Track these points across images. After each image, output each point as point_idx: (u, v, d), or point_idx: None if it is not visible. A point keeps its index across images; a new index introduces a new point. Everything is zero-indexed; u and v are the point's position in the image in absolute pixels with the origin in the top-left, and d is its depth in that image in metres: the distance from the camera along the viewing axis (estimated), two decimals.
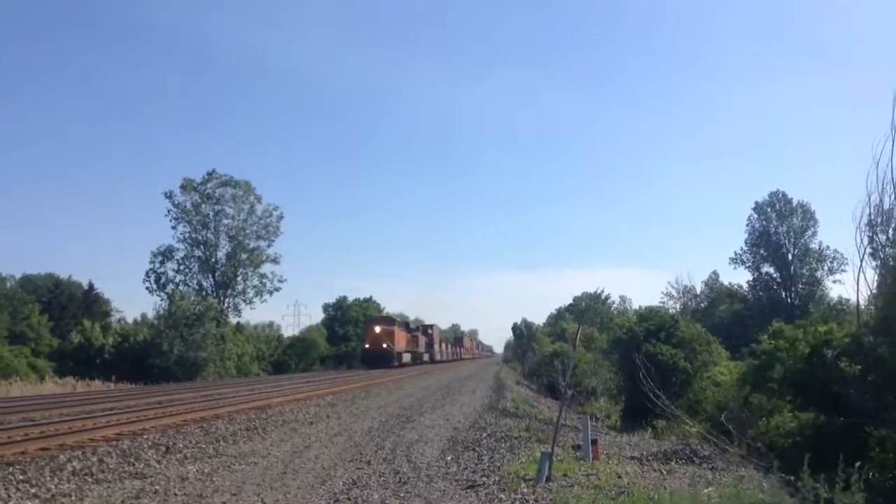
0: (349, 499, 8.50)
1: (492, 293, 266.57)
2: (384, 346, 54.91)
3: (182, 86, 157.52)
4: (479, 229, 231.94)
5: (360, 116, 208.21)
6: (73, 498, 8.12)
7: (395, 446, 13.04)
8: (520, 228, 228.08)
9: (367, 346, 56.61)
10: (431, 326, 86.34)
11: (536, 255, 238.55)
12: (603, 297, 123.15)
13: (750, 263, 76.73)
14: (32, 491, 8.22)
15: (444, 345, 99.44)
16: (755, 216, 76.63)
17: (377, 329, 56.71)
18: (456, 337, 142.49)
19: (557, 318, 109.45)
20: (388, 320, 60.93)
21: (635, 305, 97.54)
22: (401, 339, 60.12)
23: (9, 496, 7.87)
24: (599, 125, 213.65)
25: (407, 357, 63.00)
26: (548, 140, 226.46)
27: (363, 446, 13.01)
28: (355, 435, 14.64)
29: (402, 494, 8.84)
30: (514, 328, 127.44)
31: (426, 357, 77.26)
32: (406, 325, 68.72)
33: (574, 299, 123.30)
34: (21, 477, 8.76)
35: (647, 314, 34.56)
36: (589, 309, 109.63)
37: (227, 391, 25.32)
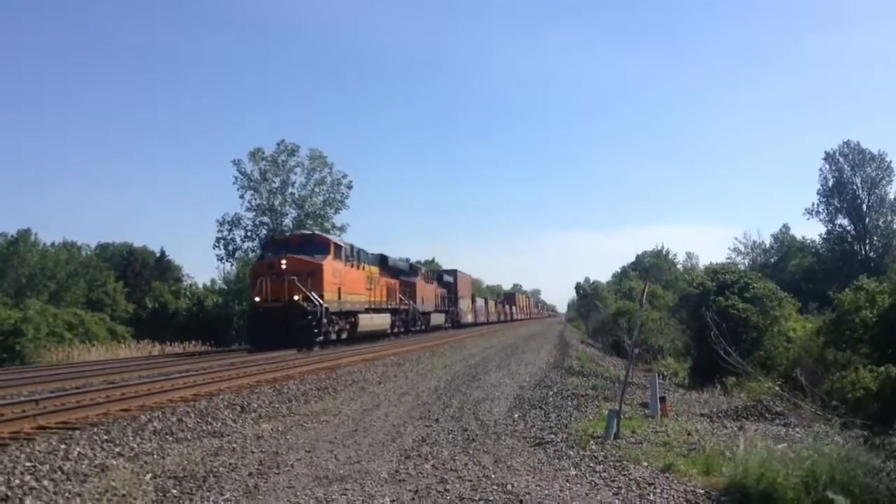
0: (419, 455, 8.62)
1: (555, 253, 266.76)
2: (295, 297, 26.06)
3: (254, 59, 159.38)
4: (541, 190, 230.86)
5: (423, 82, 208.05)
6: (156, 456, 8.44)
7: (462, 404, 13.16)
8: (584, 188, 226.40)
9: (256, 299, 26.74)
10: (454, 272, 61.01)
11: (601, 214, 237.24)
12: (665, 253, 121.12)
13: (824, 215, 74.24)
14: (117, 450, 8.56)
15: (478, 301, 74.47)
16: (826, 166, 73.93)
17: (282, 263, 26.96)
18: (506, 293, 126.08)
19: (622, 276, 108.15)
20: (315, 243, 29.41)
21: (702, 262, 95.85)
22: (353, 285, 31.05)
23: (94, 455, 8.21)
24: (664, 79, 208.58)
25: (378, 319, 34.72)
26: (611, 97, 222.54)
27: (431, 404, 13.16)
28: (422, 394, 14.82)
29: (470, 451, 8.92)
30: (578, 287, 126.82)
31: (440, 319, 51.44)
32: (380, 259, 37.47)
33: (637, 257, 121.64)
34: (105, 437, 9.12)
35: (719, 269, 33.93)
36: (653, 266, 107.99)
37: (297, 352, 25.84)
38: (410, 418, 11.55)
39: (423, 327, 45.96)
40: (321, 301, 26.61)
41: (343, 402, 13.44)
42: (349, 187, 66.32)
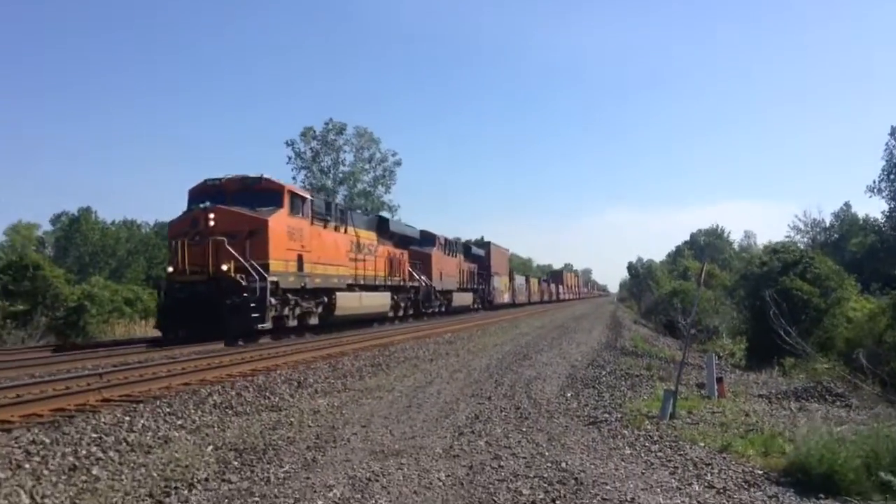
0: (473, 432, 8.68)
1: (606, 233, 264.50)
2: (224, 267, 18.76)
3: (304, 38, 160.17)
4: (592, 168, 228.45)
5: (474, 60, 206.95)
6: (216, 429, 8.66)
7: (513, 383, 13.18)
8: (634, 165, 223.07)
9: (169, 269, 19.89)
10: (486, 245, 54.42)
11: (653, 191, 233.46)
12: (720, 232, 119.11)
13: (887, 193, 71.70)
14: (179, 423, 8.81)
15: (518, 280, 66.49)
16: (892, 141, 71.31)
17: (209, 218, 19.41)
18: (552, 272, 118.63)
19: (676, 255, 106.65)
20: (261, 191, 20.76)
21: (760, 240, 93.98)
22: (328, 252, 23.78)
23: (158, 427, 8.46)
24: (717, 52, 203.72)
25: (371, 299, 27.40)
26: (660, 73, 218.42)
27: (482, 382, 13.21)
28: (474, 371, 14.88)
29: (524, 429, 8.94)
30: (630, 267, 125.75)
31: (466, 299, 44.23)
32: (377, 223, 30.83)
33: (692, 235, 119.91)
34: (168, 409, 9.38)
35: (780, 248, 33.29)
36: (709, 245, 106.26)
37: (349, 331, 26.21)
38: (463, 395, 11.61)
39: (443, 309, 38.92)
40: (265, 272, 18.80)
41: (396, 378, 13.58)
42: (398, 164, 66.92)
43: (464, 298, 43.40)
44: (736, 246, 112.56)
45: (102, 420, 8.52)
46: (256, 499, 5.89)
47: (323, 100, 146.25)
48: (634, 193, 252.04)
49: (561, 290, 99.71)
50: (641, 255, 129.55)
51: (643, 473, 6.92)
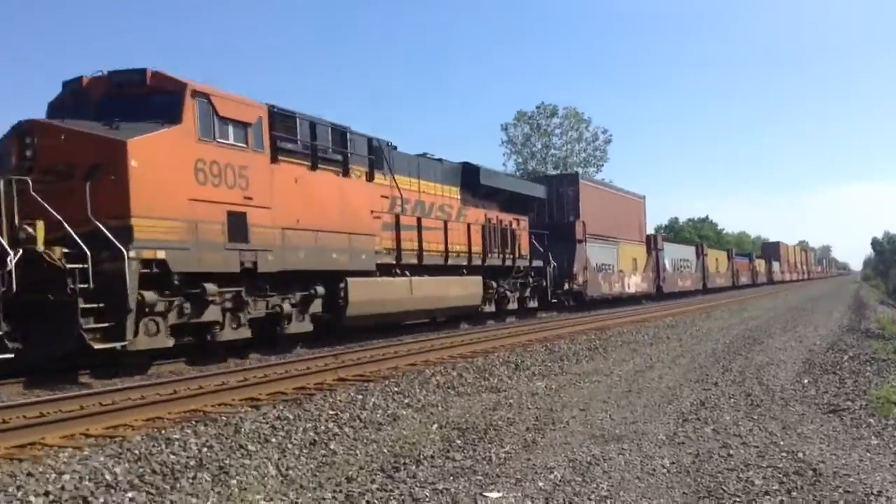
0: (698, 419, 8.31)
1: (847, 208, 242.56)
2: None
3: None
4: (829, 138, 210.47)
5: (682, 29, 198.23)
6: (440, 408, 9.01)
7: (743, 368, 12.46)
8: (876, 132, 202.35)
9: None
10: (568, 181, 31.26)
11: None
12: None
13: None
14: (406, 401, 9.26)
15: (667, 251, 41.33)
16: None
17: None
18: (764, 244, 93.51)
19: None
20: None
21: None
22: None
23: (387, 405, 8.96)
24: None
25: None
26: None
27: (708, 368, 12.62)
28: (698, 356, 14.27)
29: (755, 417, 8.42)
30: (874, 243, 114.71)
31: (457, 292, 19.54)
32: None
33: None
34: (396, 389, 9.90)
35: None
36: None
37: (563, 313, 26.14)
38: (686, 381, 11.17)
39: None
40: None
41: (614, 362, 13.35)
42: (608, 141, 65.84)
43: (427, 290, 18.44)
44: None
45: (338, 398, 9.13)
46: (479, 477, 6.03)
47: (530, 84, 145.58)
48: (877, 163, 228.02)
49: (776, 268, 77.23)
50: (889, 230, 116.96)
51: (892, 466, 6.27)
